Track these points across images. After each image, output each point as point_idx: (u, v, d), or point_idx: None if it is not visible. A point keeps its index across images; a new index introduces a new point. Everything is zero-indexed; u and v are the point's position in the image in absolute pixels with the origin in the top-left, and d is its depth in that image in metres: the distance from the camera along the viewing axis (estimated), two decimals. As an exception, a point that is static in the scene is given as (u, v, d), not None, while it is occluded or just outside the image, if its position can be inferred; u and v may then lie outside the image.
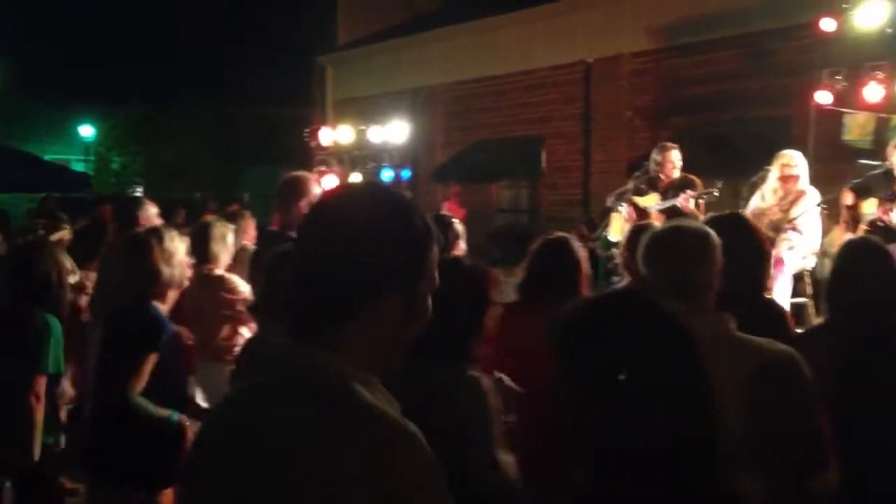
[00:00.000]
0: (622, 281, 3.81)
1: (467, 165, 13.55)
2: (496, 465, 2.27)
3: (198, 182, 23.42)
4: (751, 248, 2.72)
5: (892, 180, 5.93)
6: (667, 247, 2.35)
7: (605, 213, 7.16)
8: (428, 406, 2.22)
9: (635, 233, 3.58)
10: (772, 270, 5.95)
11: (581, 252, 3.14)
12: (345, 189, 1.77)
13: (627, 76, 11.50)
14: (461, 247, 3.84)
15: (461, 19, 14.12)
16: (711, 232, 2.36)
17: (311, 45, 16.48)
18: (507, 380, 2.46)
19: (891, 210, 5.71)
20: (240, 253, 5.38)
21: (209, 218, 4.60)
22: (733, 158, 9.36)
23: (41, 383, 3.53)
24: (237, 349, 4.34)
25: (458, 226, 3.81)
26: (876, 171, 6.10)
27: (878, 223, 5.84)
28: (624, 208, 6.74)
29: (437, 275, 1.41)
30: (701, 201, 6.46)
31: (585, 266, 3.15)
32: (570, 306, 1.70)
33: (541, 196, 12.86)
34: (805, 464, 2.14)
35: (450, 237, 3.80)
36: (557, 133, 12.38)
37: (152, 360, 3.30)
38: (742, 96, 9.97)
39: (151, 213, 4.74)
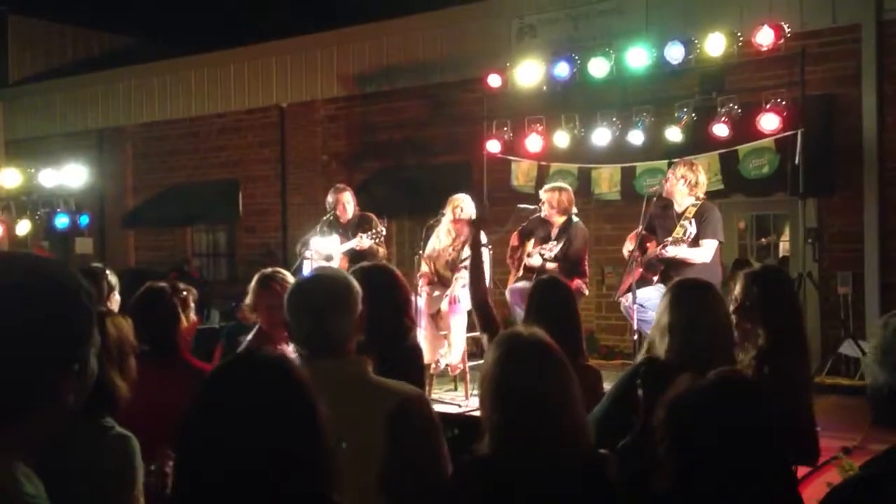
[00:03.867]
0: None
1: (161, 210, 12.99)
2: None
3: None
4: (394, 295, 2.90)
5: (547, 223, 6.59)
6: (307, 295, 2.40)
7: (299, 261, 7.15)
8: (65, 466, 2.09)
9: (261, 279, 3.63)
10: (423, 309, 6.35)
11: (175, 302, 3.13)
12: None
13: (322, 121, 11.76)
14: (116, 298, 3.67)
15: (151, 58, 13.61)
16: (352, 279, 2.46)
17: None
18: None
19: (543, 251, 6.31)
20: None
21: None
22: (420, 200, 9.91)
23: None
24: None
25: (112, 277, 3.64)
26: (536, 215, 6.72)
27: (525, 266, 6.47)
28: (312, 254, 6.78)
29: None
30: (373, 240, 6.63)
31: (185, 315, 3.15)
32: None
33: (239, 239, 12.66)
34: (433, 488, 2.29)
35: (104, 289, 3.63)
36: (254, 176, 12.32)
37: None
38: (426, 143, 10.61)
39: None
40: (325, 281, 2.45)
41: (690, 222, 5.66)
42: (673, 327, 2.91)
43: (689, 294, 3.00)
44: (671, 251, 5.60)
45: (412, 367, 3.13)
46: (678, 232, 5.61)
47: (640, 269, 5.84)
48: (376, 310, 2.55)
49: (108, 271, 3.64)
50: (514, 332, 2.30)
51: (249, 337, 3.87)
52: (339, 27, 11.54)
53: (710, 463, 1.68)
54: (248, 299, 3.68)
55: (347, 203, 6.91)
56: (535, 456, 2.03)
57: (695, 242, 5.64)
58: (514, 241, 6.85)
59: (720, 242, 5.82)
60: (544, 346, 2.24)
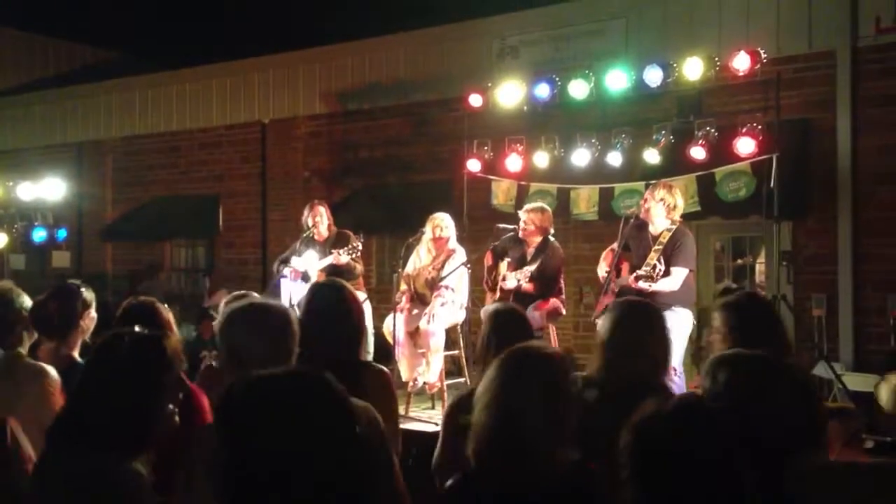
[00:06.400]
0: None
1: (140, 223, 12.92)
2: None
3: None
4: (347, 312, 2.92)
5: (522, 242, 6.63)
6: (256, 318, 2.45)
7: (277, 279, 7.13)
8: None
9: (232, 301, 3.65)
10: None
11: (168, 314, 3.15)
12: None
13: (303, 138, 11.77)
14: (92, 315, 3.63)
15: (133, 72, 13.59)
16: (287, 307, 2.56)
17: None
18: None
19: (518, 277, 6.32)
20: None
21: None
22: (401, 218, 9.92)
23: None
24: None
25: (88, 294, 3.60)
26: (509, 234, 6.76)
27: (501, 289, 6.49)
28: (289, 273, 6.78)
29: None
30: (351, 256, 6.62)
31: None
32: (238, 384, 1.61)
33: (218, 254, 12.61)
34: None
35: (78, 307, 3.58)
36: (234, 191, 12.29)
37: None
38: (407, 161, 10.65)
39: None
40: (274, 306, 2.54)
41: (660, 259, 5.66)
42: (608, 346, 2.95)
43: (632, 315, 3.03)
44: (641, 285, 5.60)
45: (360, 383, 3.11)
46: (647, 268, 5.58)
47: (615, 294, 5.88)
48: (326, 325, 2.58)
49: (83, 288, 3.59)
50: (526, 347, 2.27)
51: (215, 353, 3.86)
52: (321, 44, 11.58)
53: (675, 487, 1.71)
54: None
55: (321, 216, 6.91)
56: (522, 469, 2.03)
57: (666, 271, 5.67)
58: (488, 259, 6.89)
59: (691, 270, 5.85)
60: (552, 361, 2.22)
